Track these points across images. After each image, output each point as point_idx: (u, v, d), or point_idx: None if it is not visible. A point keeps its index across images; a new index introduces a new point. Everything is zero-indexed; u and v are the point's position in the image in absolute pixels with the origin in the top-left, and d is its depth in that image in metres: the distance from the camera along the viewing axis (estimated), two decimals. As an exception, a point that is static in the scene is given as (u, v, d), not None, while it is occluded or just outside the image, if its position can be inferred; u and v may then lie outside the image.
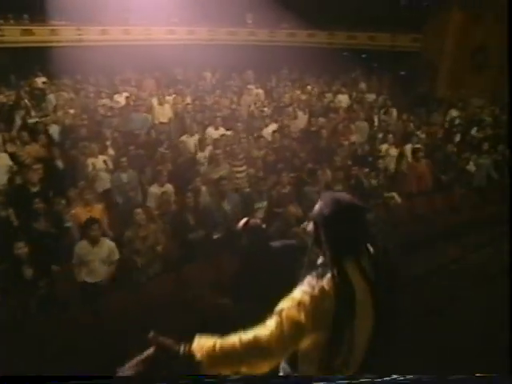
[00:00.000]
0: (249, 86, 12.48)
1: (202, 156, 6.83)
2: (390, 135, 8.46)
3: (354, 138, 8.24)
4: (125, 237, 4.69)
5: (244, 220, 3.19)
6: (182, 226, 5.07)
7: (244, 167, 6.42)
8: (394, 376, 2.01)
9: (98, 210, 5.42)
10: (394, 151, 7.80)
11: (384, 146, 7.95)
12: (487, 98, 12.46)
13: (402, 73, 16.46)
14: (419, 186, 7.16)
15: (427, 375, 2.18)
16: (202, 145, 7.05)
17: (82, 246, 4.37)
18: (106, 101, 10.56)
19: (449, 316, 4.57)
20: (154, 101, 10.38)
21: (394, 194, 6.75)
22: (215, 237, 5.21)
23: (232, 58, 15.07)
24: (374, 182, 6.69)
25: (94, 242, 4.37)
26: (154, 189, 5.79)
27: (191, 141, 7.40)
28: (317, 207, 1.68)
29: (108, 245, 4.48)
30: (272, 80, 14.00)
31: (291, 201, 5.45)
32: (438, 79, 14.47)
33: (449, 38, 14.30)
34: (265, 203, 5.67)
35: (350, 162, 7.88)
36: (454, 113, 10.88)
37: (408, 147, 7.85)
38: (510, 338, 3.29)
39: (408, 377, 2.09)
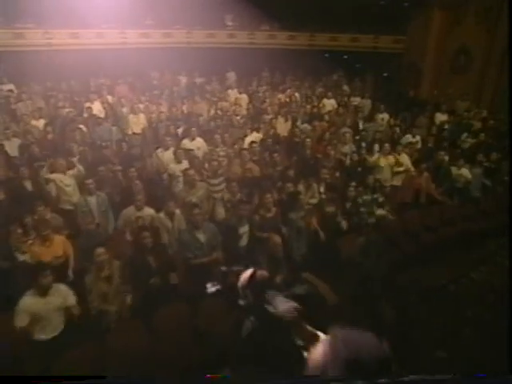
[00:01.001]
0: (229, 91, 11.82)
1: (177, 173, 6.12)
2: (377, 144, 7.91)
3: (345, 147, 7.63)
4: (86, 280, 3.96)
5: (249, 272, 2.41)
6: (145, 268, 4.29)
7: (223, 186, 5.76)
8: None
9: (58, 243, 4.66)
10: (383, 161, 7.23)
11: (374, 156, 7.36)
12: (471, 100, 12.09)
13: (385, 74, 16.03)
14: (415, 198, 6.62)
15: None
16: (177, 160, 6.33)
17: (29, 301, 3.57)
18: (75, 110, 9.71)
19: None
20: (127, 109, 9.62)
21: (387, 212, 6.19)
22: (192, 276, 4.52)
23: (211, 62, 14.42)
24: (366, 197, 6.10)
25: (44, 291, 3.63)
26: (129, 212, 5.06)
27: (165, 155, 6.67)
28: (332, 344, 1.08)
29: (61, 290, 3.73)
30: (253, 84, 13.34)
31: (276, 226, 4.83)
32: (422, 81, 14.05)
33: (430, 39, 13.88)
34: (246, 227, 5.01)
35: (337, 174, 7.32)
36: (441, 117, 10.40)
37: (405, 158, 7.29)
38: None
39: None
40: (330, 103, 11.28)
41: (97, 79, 13.06)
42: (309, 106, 9.91)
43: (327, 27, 15.33)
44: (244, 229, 4.88)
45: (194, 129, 7.13)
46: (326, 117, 9.23)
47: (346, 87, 13.80)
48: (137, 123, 8.73)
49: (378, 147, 7.85)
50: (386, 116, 10.43)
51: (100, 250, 3.93)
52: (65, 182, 5.95)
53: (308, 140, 7.33)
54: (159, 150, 6.79)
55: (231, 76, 13.97)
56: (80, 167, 6.40)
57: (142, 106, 9.99)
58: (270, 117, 9.02)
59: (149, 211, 4.99)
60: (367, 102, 12.01)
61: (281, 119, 9.00)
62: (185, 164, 6.19)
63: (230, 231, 4.77)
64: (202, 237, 4.39)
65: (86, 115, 9.73)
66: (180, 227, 5.04)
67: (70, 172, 6.18)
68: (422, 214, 6.45)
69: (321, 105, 11.10)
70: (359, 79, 14.64)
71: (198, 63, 14.28)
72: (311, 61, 15.49)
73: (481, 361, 3.39)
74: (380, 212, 6.03)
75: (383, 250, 5.20)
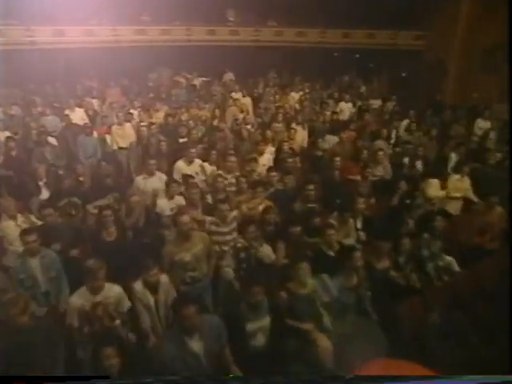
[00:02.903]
0: (233, 94, 10.03)
1: (166, 212, 4.35)
2: (420, 161, 6.14)
3: (378, 168, 5.81)
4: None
5: None
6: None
7: (234, 235, 4.01)
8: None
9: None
10: (437, 190, 5.40)
11: (427, 181, 5.49)
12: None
13: (404, 74, 14.20)
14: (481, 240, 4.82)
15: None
16: (167, 193, 4.54)
17: None
18: (51, 119, 7.93)
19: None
20: (113, 117, 7.86)
21: (452, 260, 4.41)
22: None
23: (212, 61, 12.65)
24: (427, 242, 4.32)
25: None
26: (78, 299, 3.17)
27: (150, 184, 4.87)
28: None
29: None
30: (259, 86, 11.53)
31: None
32: (448, 82, 12.20)
33: (458, 35, 12.03)
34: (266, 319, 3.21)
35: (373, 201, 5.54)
36: (482, 123, 8.58)
37: (466, 182, 5.45)
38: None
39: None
40: (347, 107, 9.49)
41: (85, 81, 11.30)
42: (328, 113, 8.05)
43: (339, 22, 13.47)
44: (261, 322, 3.08)
45: (193, 150, 5.30)
46: (352, 125, 7.38)
47: (363, 89, 12.00)
48: (122, 135, 6.94)
49: (421, 165, 6.08)
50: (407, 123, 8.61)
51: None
52: (12, 233, 4.19)
53: (337, 159, 5.50)
54: (141, 176, 4.98)
55: (229, 77, 12.15)
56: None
57: (135, 112, 8.23)
58: (280, 125, 7.19)
59: (113, 290, 3.21)
60: (390, 105, 10.21)
61: (298, 128, 7.18)
62: (178, 200, 4.43)
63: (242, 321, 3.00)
64: (196, 345, 2.61)
65: (63, 124, 7.99)
66: (167, 301, 3.28)
67: (21, 218, 4.39)
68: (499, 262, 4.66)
69: (337, 109, 9.30)
70: (377, 80, 12.87)
71: (198, 63, 12.53)
72: (321, 60, 13.73)
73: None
74: (446, 261, 4.26)
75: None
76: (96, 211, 4.13)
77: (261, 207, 4.29)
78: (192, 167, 5.19)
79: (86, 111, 8.66)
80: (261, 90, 11.16)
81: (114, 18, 12.52)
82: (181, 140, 6.35)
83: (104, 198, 4.75)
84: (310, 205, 4.58)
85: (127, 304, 3.21)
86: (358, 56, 14.57)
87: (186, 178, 4.80)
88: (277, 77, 12.80)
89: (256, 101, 10.08)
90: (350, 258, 3.50)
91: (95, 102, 9.42)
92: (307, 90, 10.65)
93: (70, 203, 4.60)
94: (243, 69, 12.65)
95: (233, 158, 5.07)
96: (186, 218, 3.50)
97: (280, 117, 7.33)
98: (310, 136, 7.49)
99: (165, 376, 2.37)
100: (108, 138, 7.33)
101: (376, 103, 10.56)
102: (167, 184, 4.65)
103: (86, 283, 3.11)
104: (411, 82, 12.96)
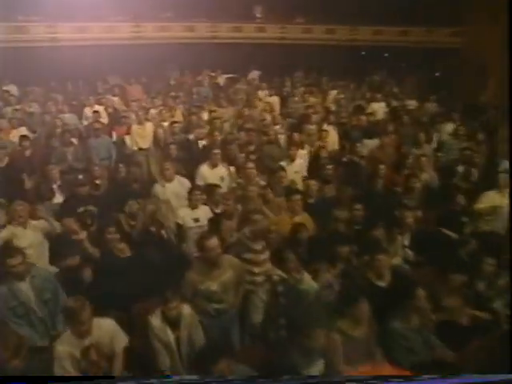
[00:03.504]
0: (259, 93, 9.43)
1: (188, 224, 3.76)
2: (474, 169, 5.38)
3: (424, 175, 5.09)
4: None
5: None
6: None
7: (266, 255, 3.39)
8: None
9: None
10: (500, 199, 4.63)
11: (488, 193, 4.72)
12: None
13: (437, 74, 13.29)
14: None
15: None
16: (190, 203, 3.94)
17: None
18: (68, 116, 7.49)
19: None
20: (133, 117, 7.35)
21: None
22: None
23: (237, 59, 12.08)
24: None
25: None
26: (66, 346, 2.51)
27: (172, 190, 4.27)
28: None
29: None
30: (286, 84, 10.86)
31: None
32: (489, 82, 11.27)
33: (499, 31, 11.07)
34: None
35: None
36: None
37: None
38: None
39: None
40: (380, 107, 8.72)
41: (106, 79, 10.88)
42: (364, 117, 7.29)
43: (371, 19, 12.69)
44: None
45: (217, 151, 4.68)
46: (390, 127, 6.65)
47: (396, 90, 11.17)
48: (142, 135, 6.42)
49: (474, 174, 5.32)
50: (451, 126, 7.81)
51: None
52: (22, 242, 3.68)
53: (382, 167, 4.81)
54: (160, 182, 4.43)
55: (254, 75, 11.52)
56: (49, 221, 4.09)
57: (154, 111, 7.72)
58: (313, 127, 6.52)
59: (104, 327, 2.55)
60: (431, 107, 9.40)
61: (331, 131, 6.51)
62: (203, 211, 3.84)
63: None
64: None
65: (85, 123, 7.56)
66: (193, 339, 2.69)
67: (33, 223, 3.89)
68: None
69: (369, 110, 8.57)
70: (409, 80, 12.02)
71: (222, 61, 11.96)
72: (350, 59, 13.00)
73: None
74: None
75: None
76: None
77: (297, 222, 3.64)
78: (217, 172, 4.57)
79: (105, 109, 8.21)
80: (288, 88, 10.49)
81: (136, 15, 12.11)
82: (203, 141, 5.76)
83: (123, 204, 4.17)
84: (357, 226, 3.91)
85: (124, 340, 2.63)
86: (386, 55, 13.73)
87: (212, 188, 4.18)
88: (304, 76, 12.08)
89: (283, 100, 9.45)
90: (411, 296, 2.82)
91: (116, 100, 8.96)
92: (339, 90, 9.92)
93: (86, 211, 4.07)
94: (269, 67, 12.01)
95: (261, 163, 4.43)
96: (213, 242, 2.88)
97: (313, 118, 6.65)
98: (341, 139, 6.82)
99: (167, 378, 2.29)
100: (127, 138, 6.82)
101: (411, 104, 9.77)
102: (190, 191, 4.05)
103: (69, 326, 2.51)
104: (448, 81, 12.06)
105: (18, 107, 8.38)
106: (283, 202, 3.96)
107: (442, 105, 9.64)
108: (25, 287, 2.94)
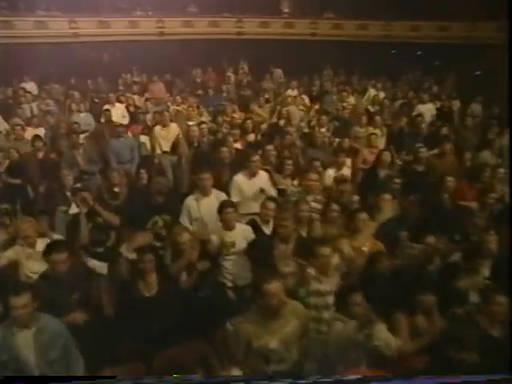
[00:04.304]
0: (289, 92, 8.66)
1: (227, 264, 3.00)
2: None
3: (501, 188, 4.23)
4: None
5: None
6: None
7: (330, 299, 2.54)
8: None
9: None
10: None
11: None
12: None
13: (478, 72, 12.24)
14: None
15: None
16: (225, 224, 3.17)
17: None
18: (83, 116, 6.86)
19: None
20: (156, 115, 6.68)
21: None
22: None
23: (264, 55, 11.33)
24: None
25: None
26: None
27: (208, 207, 3.55)
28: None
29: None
30: (316, 83, 10.04)
31: None
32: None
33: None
34: None
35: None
36: None
37: None
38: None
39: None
40: (428, 109, 7.82)
41: (128, 75, 10.29)
42: (419, 120, 6.36)
43: (407, 14, 11.73)
44: None
45: (255, 158, 3.92)
46: (452, 134, 5.76)
47: (435, 89, 10.22)
48: (166, 137, 5.71)
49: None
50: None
51: None
52: (31, 267, 3.00)
53: (450, 180, 3.97)
54: (192, 196, 3.69)
55: (278, 74, 10.75)
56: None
57: (181, 110, 7.04)
58: (363, 130, 5.70)
59: None
60: (477, 108, 8.47)
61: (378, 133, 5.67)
62: (243, 232, 3.09)
63: None
64: None
65: (102, 121, 6.91)
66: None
67: (41, 243, 3.19)
68: None
69: (414, 112, 7.69)
70: (449, 79, 11.03)
71: (248, 57, 11.22)
72: (384, 56, 12.09)
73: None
74: None
75: None
76: (134, 256, 2.85)
77: (366, 249, 2.86)
78: (255, 182, 3.80)
79: (127, 107, 7.58)
80: (317, 87, 9.67)
81: (159, 9, 11.49)
82: (236, 145, 5.02)
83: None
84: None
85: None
86: (419, 53, 12.75)
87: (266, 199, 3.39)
88: (333, 74, 11.23)
89: (313, 100, 8.66)
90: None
91: (136, 98, 8.32)
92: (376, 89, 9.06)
93: (100, 229, 3.37)
94: (297, 64, 11.21)
95: (314, 173, 3.65)
96: (275, 287, 2.12)
97: (364, 119, 5.84)
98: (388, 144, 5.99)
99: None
100: (143, 138, 6.12)
101: (455, 105, 8.86)
102: (221, 207, 3.27)
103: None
104: (492, 80, 11.02)
105: (34, 105, 7.87)
106: (342, 222, 3.16)
107: (486, 105, 8.71)
108: (24, 339, 2.19)
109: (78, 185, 4.43)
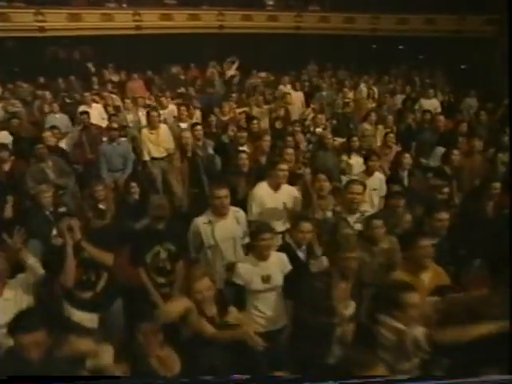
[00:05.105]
0: (281, 88, 8.02)
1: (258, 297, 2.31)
2: None
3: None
4: None
5: None
6: None
7: None
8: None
9: None
10: None
11: None
12: None
13: (463, 67, 11.98)
14: None
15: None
16: (253, 250, 2.47)
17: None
18: (59, 117, 5.96)
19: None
20: (142, 116, 5.90)
21: None
22: None
23: (248, 50, 10.61)
24: None
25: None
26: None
27: (226, 233, 2.79)
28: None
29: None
30: (303, 78, 9.44)
31: None
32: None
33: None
34: None
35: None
36: None
37: None
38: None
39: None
40: (431, 105, 7.33)
41: (103, 73, 9.35)
42: (428, 116, 5.81)
43: (394, 6, 11.31)
44: None
45: (284, 165, 3.05)
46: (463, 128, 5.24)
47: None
48: (156, 142, 4.94)
49: None
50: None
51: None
52: None
53: (496, 185, 3.40)
54: (202, 217, 2.85)
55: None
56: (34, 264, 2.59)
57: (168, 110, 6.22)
58: (371, 128, 5.13)
59: None
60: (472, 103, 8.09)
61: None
62: (279, 262, 2.41)
63: None
64: None
65: (79, 126, 6.01)
66: None
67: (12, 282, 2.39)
68: None
69: (416, 106, 7.20)
70: (438, 72, 10.68)
71: (231, 52, 10.46)
72: (372, 50, 11.68)
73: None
74: None
75: None
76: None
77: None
78: (279, 196, 3.10)
79: (105, 107, 6.72)
80: (307, 83, 9.05)
81: (134, 1, 10.57)
82: (241, 148, 4.31)
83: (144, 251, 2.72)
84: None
85: None
86: (401, 47, 12.38)
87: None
88: (319, 68, 10.66)
89: (308, 96, 8.05)
90: None
91: (115, 98, 7.46)
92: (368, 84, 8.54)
93: (87, 264, 2.61)
94: (283, 59, 10.59)
95: (357, 185, 2.98)
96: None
97: (373, 116, 5.25)
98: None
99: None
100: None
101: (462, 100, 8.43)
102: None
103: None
104: (482, 74, 10.75)
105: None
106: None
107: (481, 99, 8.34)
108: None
109: (63, 209, 3.59)
